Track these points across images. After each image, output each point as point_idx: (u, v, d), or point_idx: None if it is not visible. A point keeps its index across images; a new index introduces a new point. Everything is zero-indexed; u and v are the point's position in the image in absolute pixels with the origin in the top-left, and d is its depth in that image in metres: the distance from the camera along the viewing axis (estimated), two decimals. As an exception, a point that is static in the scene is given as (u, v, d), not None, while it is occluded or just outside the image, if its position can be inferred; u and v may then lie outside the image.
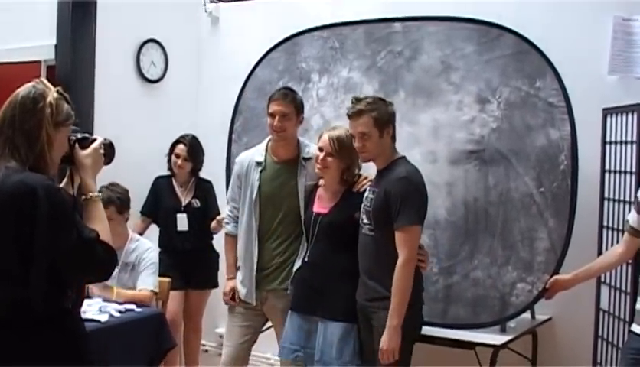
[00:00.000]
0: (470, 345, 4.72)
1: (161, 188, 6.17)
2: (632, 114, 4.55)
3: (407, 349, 4.40)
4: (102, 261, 2.90)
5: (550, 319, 5.17)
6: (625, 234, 4.07)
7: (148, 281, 5.23)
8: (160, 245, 6.01)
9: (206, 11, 6.90)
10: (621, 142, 4.68)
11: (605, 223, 4.82)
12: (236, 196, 5.05)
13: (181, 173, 6.13)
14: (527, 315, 5.01)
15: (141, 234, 5.85)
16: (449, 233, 5.03)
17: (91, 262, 2.85)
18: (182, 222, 6.05)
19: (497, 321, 4.87)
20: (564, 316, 5.15)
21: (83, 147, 3.06)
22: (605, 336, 4.79)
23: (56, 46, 6.10)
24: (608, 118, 4.83)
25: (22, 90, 2.86)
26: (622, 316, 4.56)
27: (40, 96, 2.83)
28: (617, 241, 4.48)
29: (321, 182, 4.78)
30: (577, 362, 5.05)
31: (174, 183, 6.17)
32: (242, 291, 4.95)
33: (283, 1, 6.46)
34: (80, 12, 5.96)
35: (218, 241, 6.12)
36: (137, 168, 6.00)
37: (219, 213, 5.91)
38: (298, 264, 4.80)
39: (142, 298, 5.11)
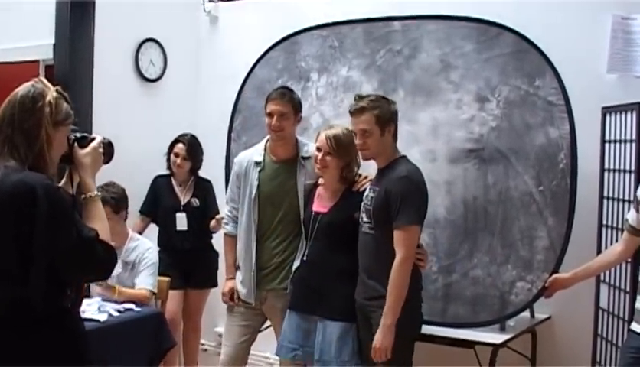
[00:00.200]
0: (469, 344, 4.72)
1: (160, 187, 6.17)
2: (631, 112, 4.55)
3: (408, 348, 4.40)
4: (101, 260, 2.90)
5: (549, 318, 5.16)
6: (625, 232, 4.08)
7: (147, 281, 5.23)
8: (159, 244, 6.01)
9: (205, 10, 6.89)
10: (620, 141, 4.68)
11: (604, 222, 4.82)
12: (235, 196, 5.04)
13: (180, 173, 6.13)
14: (526, 314, 5.01)
15: (140, 233, 5.85)
16: (449, 232, 5.03)
17: (91, 261, 2.85)
18: (181, 221, 6.05)
19: (496, 320, 4.87)
20: (563, 315, 5.15)
21: (82, 146, 3.06)
22: (604, 335, 4.79)
23: (54, 45, 6.10)
24: (608, 117, 4.82)
25: (21, 89, 2.86)
26: (621, 314, 4.56)
27: (39, 95, 2.83)
28: (616, 240, 4.47)
29: (320, 181, 4.78)
30: (576, 361, 5.05)
31: (174, 182, 6.17)
32: (242, 291, 4.94)
33: (282, 0, 6.45)
34: (78, 11, 5.96)
35: (217, 241, 6.11)
36: (136, 167, 6.00)
37: (218, 212, 5.90)
38: (297, 263, 4.79)
39: (141, 298, 5.12)
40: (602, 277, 4.81)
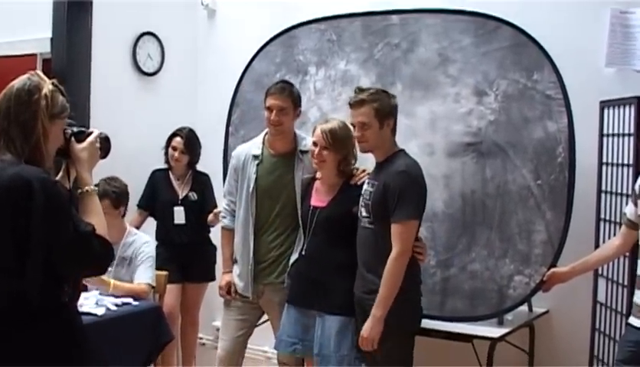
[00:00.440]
0: (467, 338, 4.72)
1: (158, 181, 6.16)
2: (630, 106, 4.55)
3: (408, 343, 4.42)
4: (98, 255, 2.89)
5: (547, 312, 5.17)
6: (623, 226, 4.08)
7: (145, 275, 5.22)
8: (157, 239, 6.01)
9: (203, 4, 6.88)
10: (618, 134, 4.68)
11: (602, 216, 4.82)
12: (232, 189, 5.03)
13: (178, 166, 6.11)
14: (524, 308, 5.01)
15: (138, 227, 5.84)
16: (447, 225, 5.03)
17: (87, 256, 2.84)
18: (179, 215, 6.04)
19: (494, 314, 4.87)
20: (561, 309, 5.15)
21: (79, 140, 3.05)
22: (602, 329, 4.79)
23: (52, 39, 6.08)
24: (606, 111, 4.82)
25: (17, 82, 2.86)
26: (619, 308, 4.57)
27: (35, 88, 2.83)
28: (614, 234, 4.48)
29: (318, 175, 4.77)
30: (574, 355, 5.06)
31: (171, 176, 6.16)
32: (239, 285, 4.94)
33: (280, -7, 6.45)
34: (76, 5, 5.95)
35: (215, 234, 6.09)
36: (133, 161, 6.00)
37: (216, 206, 5.88)
38: (294, 257, 4.79)
39: (139, 292, 5.11)
40: (599, 271, 4.82)
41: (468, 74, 5.00)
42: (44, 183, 2.72)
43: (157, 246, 5.70)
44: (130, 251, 5.30)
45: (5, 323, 2.74)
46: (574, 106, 4.70)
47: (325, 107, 5.49)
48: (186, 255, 5.96)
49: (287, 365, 4.93)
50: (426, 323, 4.81)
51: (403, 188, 4.26)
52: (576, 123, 4.69)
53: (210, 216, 5.89)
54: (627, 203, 4.15)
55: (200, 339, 6.81)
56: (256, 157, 4.94)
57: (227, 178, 5.14)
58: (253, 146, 4.99)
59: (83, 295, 4.76)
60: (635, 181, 4.09)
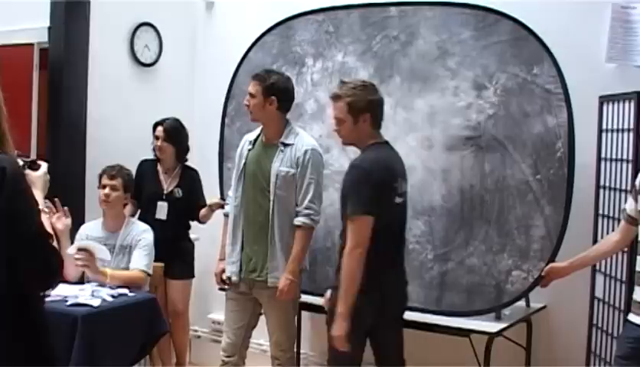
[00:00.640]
0: (465, 333, 4.71)
1: (145, 172, 6.06)
2: (629, 102, 4.53)
3: (354, 339, 4.32)
4: (50, 260, 2.81)
5: (544, 307, 5.16)
6: (622, 222, 4.07)
7: (140, 262, 5.19)
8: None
9: (200, -5, 6.87)
10: (617, 130, 4.66)
11: (600, 211, 4.81)
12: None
13: (165, 158, 6.04)
14: (521, 303, 5.00)
15: (132, 216, 5.81)
16: (445, 220, 5.02)
17: (43, 252, 2.75)
18: (161, 210, 5.95)
19: (492, 309, 4.86)
20: (559, 305, 5.14)
21: (34, 169, 3.07)
22: (599, 325, 4.78)
23: (49, 28, 6.04)
24: (605, 106, 4.81)
25: None
26: (616, 304, 4.56)
27: None
28: (612, 230, 4.48)
29: None
30: (572, 350, 5.06)
31: (159, 168, 6.10)
32: (231, 269, 4.98)
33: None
34: (73, -5, 5.93)
35: (194, 230, 6.21)
36: (130, 152, 5.97)
37: (204, 204, 5.88)
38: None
39: (135, 278, 5.08)
40: (597, 267, 4.81)
41: (468, 67, 4.99)
42: (18, 171, 2.69)
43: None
44: (129, 239, 5.29)
45: None
46: (574, 101, 4.68)
47: (322, 99, 5.46)
48: (165, 251, 5.82)
49: (278, 359, 4.96)
50: (424, 318, 4.84)
51: (352, 183, 4.29)
52: (575, 118, 4.68)
53: (203, 211, 5.87)
54: (625, 199, 4.14)
55: (196, 331, 6.80)
56: (250, 142, 4.99)
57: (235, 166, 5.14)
58: (254, 133, 5.03)
59: (79, 286, 4.75)
60: (634, 177, 4.08)
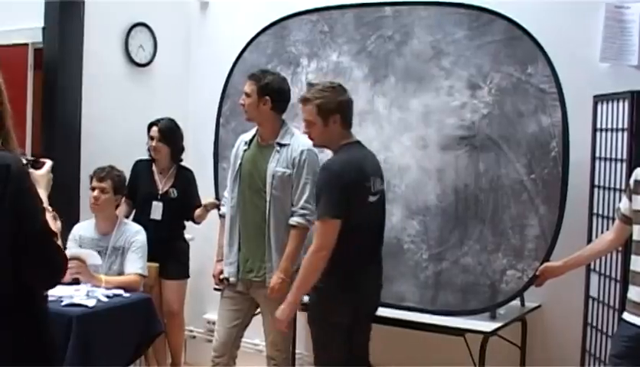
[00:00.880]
0: (459, 332, 4.70)
1: (140, 172, 6.07)
2: (623, 101, 4.54)
3: (326, 335, 4.46)
4: (55, 258, 2.80)
5: (539, 306, 5.16)
6: (616, 221, 4.08)
7: (136, 265, 5.19)
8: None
9: (195, -5, 6.87)
10: (611, 129, 4.67)
11: (595, 211, 4.81)
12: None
13: (160, 158, 6.04)
14: (516, 302, 5.00)
15: (127, 217, 5.81)
16: (439, 219, 5.02)
17: (48, 250, 2.75)
18: (156, 210, 5.95)
19: (486, 308, 4.87)
20: (554, 304, 5.15)
21: (37, 168, 3.06)
22: (594, 324, 4.79)
23: (44, 28, 6.04)
24: (599, 106, 4.82)
25: None
26: (611, 303, 4.57)
27: None
28: (607, 229, 4.49)
29: None
30: (566, 350, 5.06)
31: (154, 168, 6.10)
32: (229, 270, 4.96)
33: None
34: (68, -5, 5.92)
35: (190, 231, 6.19)
36: (125, 152, 5.98)
37: (200, 204, 5.87)
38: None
39: (131, 282, 5.08)
40: (592, 266, 4.82)
41: (462, 67, 4.99)
42: (22, 169, 2.68)
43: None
44: (122, 240, 5.28)
45: None
46: (568, 101, 4.68)
47: (318, 99, 5.46)
48: (159, 251, 5.82)
49: (274, 359, 4.95)
50: (418, 317, 4.84)
51: (320, 186, 4.37)
52: (569, 117, 4.68)
53: (198, 211, 5.87)
54: (620, 198, 4.15)
55: (191, 331, 6.80)
56: (246, 143, 4.99)
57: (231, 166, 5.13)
58: (250, 134, 5.02)
59: (74, 287, 4.75)
60: (628, 176, 4.08)
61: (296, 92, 5.15)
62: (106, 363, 4.49)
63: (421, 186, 5.04)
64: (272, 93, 4.83)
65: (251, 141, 4.98)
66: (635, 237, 3.84)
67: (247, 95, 4.85)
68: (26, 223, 2.63)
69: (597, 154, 4.81)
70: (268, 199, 4.80)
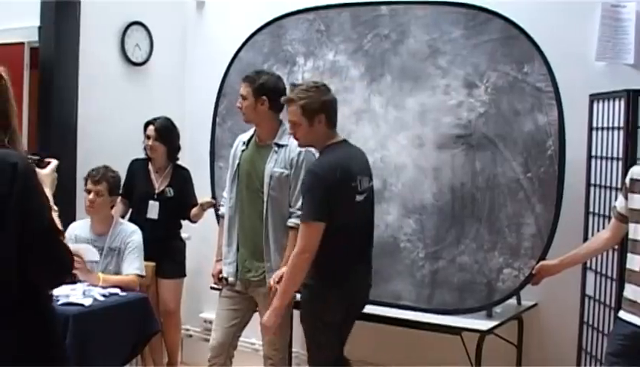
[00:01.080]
0: (456, 331, 4.71)
1: (136, 171, 6.07)
2: (619, 100, 4.54)
3: (321, 334, 4.49)
4: (62, 256, 2.81)
5: (535, 305, 5.17)
6: (612, 219, 4.09)
7: (132, 266, 5.20)
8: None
9: (191, -7, 6.86)
10: (607, 128, 4.67)
11: (591, 209, 4.82)
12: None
13: (156, 157, 6.04)
14: (513, 301, 5.01)
15: (122, 216, 5.81)
16: (436, 218, 5.02)
17: (54, 249, 2.75)
18: (153, 209, 5.94)
19: (483, 306, 4.87)
20: (550, 302, 5.15)
21: (41, 167, 3.07)
22: (590, 322, 4.79)
23: (40, 28, 6.03)
24: (595, 104, 4.82)
25: None
26: (607, 302, 4.57)
27: None
28: (603, 227, 4.49)
29: None
30: (562, 348, 5.07)
31: (151, 167, 6.09)
32: (228, 271, 4.96)
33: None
34: (64, -6, 5.92)
35: (186, 230, 6.19)
36: (121, 151, 5.98)
37: (196, 203, 5.87)
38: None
39: (128, 282, 5.08)
40: (588, 265, 4.82)
41: (458, 66, 4.99)
42: (29, 167, 2.69)
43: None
44: (118, 241, 5.28)
45: None
46: (564, 99, 4.69)
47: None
48: (156, 251, 5.81)
49: (271, 359, 4.95)
50: (415, 316, 4.85)
51: (305, 189, 4.40)
52: (565, 116, 4.68)
53: (194, 210, 5.87)
54: (616, 197, 4.16)
55: (187, 330, 6.80)
56: (244, 143, 4.98)
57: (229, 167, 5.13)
58: (248, 134, 5.02)
59: (70, 286, 4.74)
60: (624, 175, 4.10)
61: (291, 91, 5.15)
62: (103, 362, 4.49)
63: (417, 185, 5.04)
64: (269, 92, 4.82)
65: (249, 141, 4.98)
66: (630, 235, 3.86)
67: (243, 97, 4.84)
68: (33, 221, 2.64)
69: (593, 153, 4.81)
70: (265, 199, 4.79)
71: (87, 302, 4.57)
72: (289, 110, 4.45)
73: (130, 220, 5.85)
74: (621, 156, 4.49)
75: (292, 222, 4.75)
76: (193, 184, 6.10)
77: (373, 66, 5.28)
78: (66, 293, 4.58)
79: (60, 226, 2.82)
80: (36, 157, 3.11)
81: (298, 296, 4.57)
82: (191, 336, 6.84)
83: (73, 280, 4.86)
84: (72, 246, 4.93)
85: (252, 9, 6.34)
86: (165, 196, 5.98)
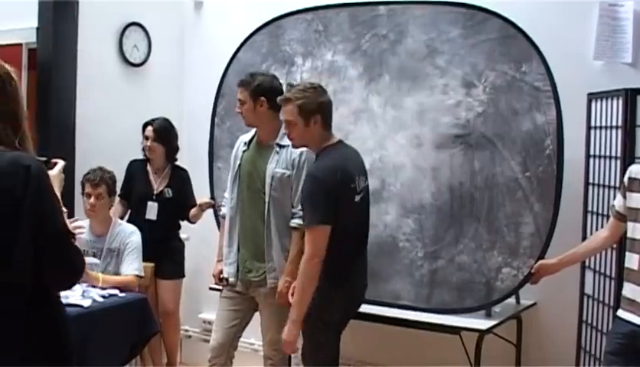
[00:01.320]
0: (455, 330, 4.71)
1: (135, 172, 6.08)
2: (617, 99, 4.54)
3: (321, 334, 4.47)
4: (74, 259, 2.81)
5: (534, 304, 5.17)
6: (611, 218, 4.09)
7: (132, 267, 5.20)
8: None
9: (189, -6, 6.86)
10: (606, 127, 4.67)
11: (589, 208, 4.82)
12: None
13: (155, 158, 6.04)
14: (511, 300, 5.01)
15: (121, 218, 5.81)
16: (434, 218, 5.02)
17: (67, 252, 2.76)
18: (152, 210, 5.95)
19: (482, 306, 4.87)
20: (549, 301, 5.15)
21: (49, 168, 3.06)
22: (589, 321, 4.79)
23: (38, 28, 6.03)
24: (593, 103, 4.82)
25: None
26: (606, 301, 4.57)
27: (8, 76, 2.79)
28: (601, 226, 4.49)
29: None
30: (561, 347, 5.07)
31: (149, 168, 6.09)
32: (229, 271, 4.96)
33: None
34: (62, -5, 5.91)
35: (184, 231, 6.19)
36: (119, 152, 5.98)
37: (195, 204, 5.87)
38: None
39: (128, 283, 5.08)
40: (587, 264, 4.82)
41: (457, 66, 4.99)
42: (42, 169, 2.69)
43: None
44: (117, 242, 5.28)
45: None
46: (562, 98, 4.69)
47: (312, 98, 5.46)
48: (155, 251, 5.80)
49: (271, 359, 4.95)
50: (414, 315, 4.84)
51: (307, 193, 4.38)
52: (564, 115, 4.68)
53: (193, 211, 5.87)
54: (614, 196, 4.16)
55: (187, 331, 6.80)
56: (245, 143, 4.98)
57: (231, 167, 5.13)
58: (249, 134, 5.03)
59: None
60: (622, 173, 4.09)
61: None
62: (102, 363, 4.48)
63: (416, 185, 5.04)
64: (266, 93, 4.82)
65: (250, 141, 4.98)
66: (629, 234, 3.85)
67: (242, 102, 4.84)
68: (47, 224, 2.64)
69: (591, 152, 4.81)
70: (267, 199, 4.79)
71: (86, 303, 4.56)
72: (286, 109, 4.44)
73: (129, 221, 5.85)
74: (619, 155, 4.49)
75: (294, 222, 4.74)
76: (191, 185, 6.10)
77: (371, 66, 5.28)
78: (65, 295, 4.56)
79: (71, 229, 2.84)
80: (43, 158, 3.11)
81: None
82: (190, 336, 6.84)
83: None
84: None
85: (250, 9, 6.34)
86: (164, 197, 5.98)
